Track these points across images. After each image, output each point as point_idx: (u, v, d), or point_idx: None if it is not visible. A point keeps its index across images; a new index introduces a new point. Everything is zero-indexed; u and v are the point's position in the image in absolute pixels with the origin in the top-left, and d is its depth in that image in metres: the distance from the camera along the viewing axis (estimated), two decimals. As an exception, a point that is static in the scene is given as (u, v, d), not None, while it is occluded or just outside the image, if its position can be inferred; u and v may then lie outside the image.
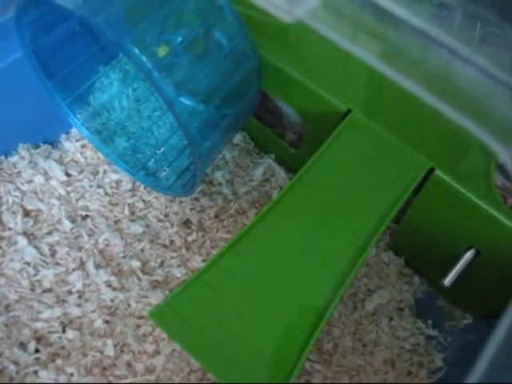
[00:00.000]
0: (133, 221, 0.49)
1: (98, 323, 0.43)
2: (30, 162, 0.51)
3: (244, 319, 0.32)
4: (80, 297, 0.44)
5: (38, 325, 0.42)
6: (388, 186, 0.37)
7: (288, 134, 0.54)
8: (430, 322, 0.47)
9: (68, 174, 0.51)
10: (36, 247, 0.46)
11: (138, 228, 0.48)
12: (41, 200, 0.49)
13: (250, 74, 0.42)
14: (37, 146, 0.53)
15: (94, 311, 0.44)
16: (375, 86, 0.38)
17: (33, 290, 0.44)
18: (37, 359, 0.41)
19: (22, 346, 0.42)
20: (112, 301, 0.44)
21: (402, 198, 0.37)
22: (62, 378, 0.40)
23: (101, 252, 0.47)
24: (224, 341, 0.31)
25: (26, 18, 0.40)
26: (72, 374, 0.41)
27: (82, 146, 0.54)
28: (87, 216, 0.49)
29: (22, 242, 0.46)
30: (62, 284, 0.45)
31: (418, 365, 0.45)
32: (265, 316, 0.32)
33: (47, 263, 0.45)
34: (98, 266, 0.46)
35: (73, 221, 0.48)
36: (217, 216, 0.51)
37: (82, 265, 0.46)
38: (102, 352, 0.42)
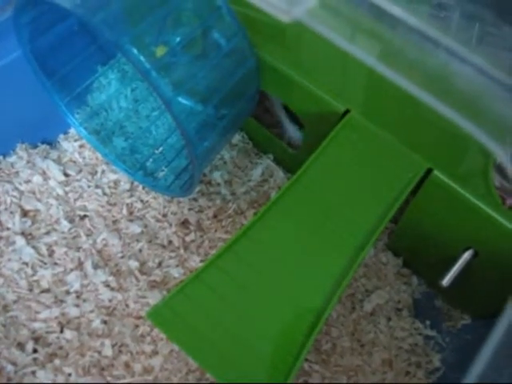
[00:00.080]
0: (131, 221, 0.49)
1: (96, 323, 0.43)
2: (28, 161, 0.51)
3: (242, 319, 0.32)
4: (78, 297, 0.44)
5: (36, 325, 0.42)
6: (386, 186, 0.37)
7: (286, 135, 0.54)
8: (428, 322, 0.47)
9: (66, 174, 0.51)
10: (34, 247, 0.46)
11: (136, 228, 0.48)
12: (39, 200, 0.49)
13: (248, 74, 0.42)
14: (35, 146, 0.53)
15: (92, 311, 0.44)
16: (373, 86, 0.38)
17: (31, 290, 0.44)
18: (35, 359, 0.41)
19: (20, 346, 0.41)
20: (110, 301, 0.44)
21: (400, 198, 0.37)
22: (60, 379, 0.40)
23: (99, 252, 0.47)
24: (222, 341, 0.31)
25: (24, 18, 0.40)
26: (70, 375, 0.41)
27: (80, 146, 0.54)
28: (85, 216, 0.49)
29: (20, 242, 0.46)
30: (59, 284, 0.45)
31: (416, 365, 0.45)
32: (263, 316, 0.32)
33: (45, 263, 0.45)
34: (96, 266, 0.46)
35: (71, 221, 0.48)
36: (215, 216, 0.51)
37: (80, 265, 0.46)
38: (99, 352, 0.42)
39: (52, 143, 0.54)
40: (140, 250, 0.48)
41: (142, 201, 0.51)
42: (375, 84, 0.38)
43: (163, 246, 0.48)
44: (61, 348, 0.42)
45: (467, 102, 0.27)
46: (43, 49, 0.45)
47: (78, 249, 0.47)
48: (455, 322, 0.47)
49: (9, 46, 0.44)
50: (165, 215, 0.50)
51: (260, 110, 0.53)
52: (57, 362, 0.41)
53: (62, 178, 0.51)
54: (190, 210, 0.50)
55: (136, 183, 0.52)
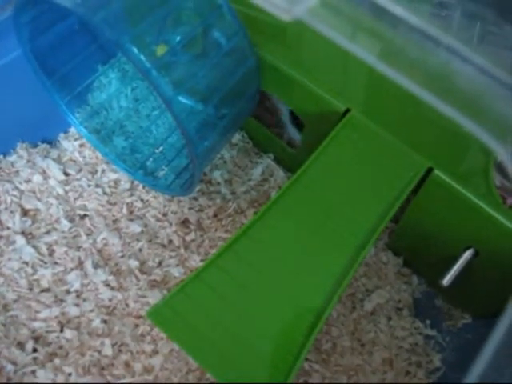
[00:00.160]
0: (131, 220, 0.49)
1: (96, 323, 0.43)
2: (29, 161, 0.51)
3: (242, 319, 0.32)
4: (78, 296, 0.44)
5: (36, 324, 0.42)
6: (386, 185, 0.37)
7: (286, 134, 0.54)
8: (428, 321, 0.47)
9: (66, 174, 0.51)
10: (34, 246, 0.46)
11: (136, 227, 0.48)
12: (39, 199, 0.49)
13: (248, 73, 0.42)
14: (35, 146, 0.53)
15: (92, 311, 0.44)
16: (374, 85, 0.38)
17: (31, 289, 0.44)
18: (35, 359, 0.41)
19: (20, 345, 0.41)
20: (110, 300, 0.44)
21: (401, 197, 0.37)
22: (60, 378, 0.40)
23: (99, 251, 0.47)
24: (222, 340, 0.31)
25: (24, 17, 0.40)
26: (70, 374, 0.41)
27: (81, 146, 0.54)
28: (85, 215, 0.49)
29: (20, 241, 0.46)
30: (60, 283, 0.45)
31: (417, 365, 0.45)
32: (263, 315, 0.32)
33: (45, 263, 0.45)
34: (96, 266, 0.46)
35: (71, 220, 0.48)
36: (215, 215, 0.51)
37: (80, 264, 0.46)
38: (99, 352, 0.42)
39: (52, 142, 0.54)
40: (140, 250, 0.48)
41: (142, 200, 0.51)
42: (376, 83, 0.38)
43: (163, 246, 0.48)
44: (61, 347, 0.42)
45: (468, 101, 0.26)
46: (43, 48, 0.45)
47: (78, 248, 0.47)
48: (456, 321, 0.47)
49: (9, 46, 0.44)
50: (165, 214, 0.50)
51: (260, 110, 0.53)
52: (57, 361, 0.41)
53: (62, 177, 0.51)
54: (190, 209, 0.50)
55: (136, 182, 0.52)
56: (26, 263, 0.45)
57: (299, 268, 0.34)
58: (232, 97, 0.41)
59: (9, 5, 0.42)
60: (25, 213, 0.48)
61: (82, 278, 0.45)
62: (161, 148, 0.53)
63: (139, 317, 0.44)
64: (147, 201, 0.51)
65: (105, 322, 0.43)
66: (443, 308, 0.48)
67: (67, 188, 0.50)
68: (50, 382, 0.40)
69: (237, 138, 0.56)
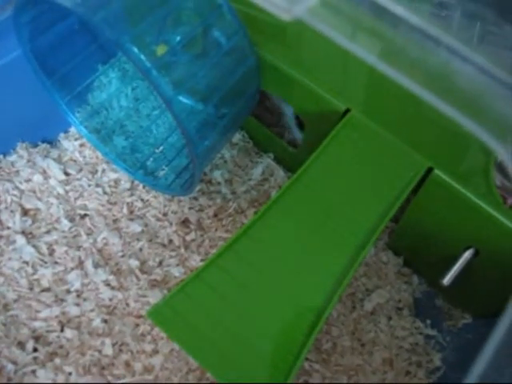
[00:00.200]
0: (131, 220, 0.49)
1: (97, 322, 0.43)
2: (29, 160, 0.51)
3: (242, 318, 0.32)
4: (78, 296, 0.44)
5: (37, 324, 0.42)
6: (387, 185, 0.37)
7: (287, 134, 0.54)
8: (428, 321, 0.47)
9: (66, 173, 0.51)
10: (34, 246, 0.46)
11: (136, 227, 0.48)
12: (39, 199, 0.49)
13: (248, 72, 0.42)
14: (35, 145, 0.53)
15: (92, 310, 0.44)
16: (374, 85, 0.38)
17: (31, 289, 0.44)
18: (35, 358, 0.41)
19: (20, 345, 0.41)
20: (110, 300, 0.44)
21: (401, 197, 0.37)
22: (60, 378, 0.40)
23: (99, 251, 0.47)
24: (222, 340, 0.31)
25: (24, 17, 0.40)
26: (70, 374, 0.41)
27: (81, 145, 0.54)
28: (86, 215, 0.49)
29: (21, 241, 0.46)
30: (60, 283, 0.45)
31: (417, 364, 0.45)
32: (263, 315, 0.32)
33: (45, 262, 0.45)
34: (96, 265, 0.46)
35: (71, 220, 0.48)
36: (216, 215, 0.51)
37: (80, 264, 0.46)
38: (100, 351, 0.42)
39: (52, 142, 0.54)
40: (140, 249, 0.48)
41: (142, 200, 0.51)
42: (376, 83, 0.38)
43: (164, 245, 0.48)
44: (61, 347, 0.42)
45: (468, 101, 0.26)
46: (43, 48, 0.45)
47: (79, 248, 0.47)
48: (456, 321, 0.47)
49: (9, 45, 0.44)
50: (165, 214, 0.50)
51: (260, 109, 0.53)
52: (57, 361, 0.41)
53: (63, 176, 0.51)
54: (190, 209, 0.50)
55: (136, 182, 0.52)
56: (27, 263, 0.45)
57: (299, 268, 0.34)
58: (232, 96, 0.41)
59: (9, 5, 0.42)
60: (25, 212, 0.48)
61: (83, 277, 0.45)
62: (161, 148, 0.53)
63: (139, 316, 0.44)
64: (147, 200, 0.51)
65: (105, 321, 0.43)
66: (443, 308, 0.48)
67: (67, 188, 0.50)
68: (50, 381, 0.40)
69: (237, 137, 0.56)
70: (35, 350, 0.42)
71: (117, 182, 0.52)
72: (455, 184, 0.37)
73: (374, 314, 0.47)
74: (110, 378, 0.41)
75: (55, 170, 0.50)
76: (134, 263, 0.46)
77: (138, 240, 0.48)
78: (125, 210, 0.50)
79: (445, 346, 0.46)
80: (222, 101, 0.40)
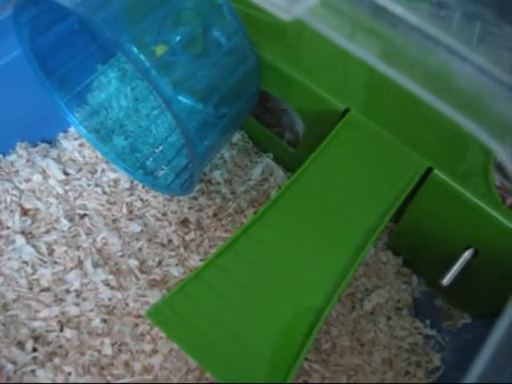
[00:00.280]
0: (131, 220, 0.49)
1: (96, 322, 0.43)
2: (28, 160, 0.51)
3: (242, 318, 0.32)
4: (78, 296, 0.44)
5: (36, 324, 0.42)
6: (386, 185, 0.37)
7: (286, 134, 0.54)
8: (428, 321, 0.47)
9: (66, 173, 0.51)
10: (34, 246, 0.46)
11: (136, 227, 0.48)
12: (39, 199, 0.49)
13: (248, 72, 0.42)
14: (35, 145, 0.53)
15: (91, 310, 0.44)
16: (373, 85, 0.38)
17: (31, 288, 0.44)
18: (34, 358, 0.41)
19: (20, 345, 0.41)
20: (110, 300, 0.44)
21: (400, 197, 0.37)
22: (60, 378, 0.40)
23: (99, 251, 0.47)
24: (222, 340, 0.31)
25: (24, 17, 0.40)
26: (70, 373, 0.41)
27: (80, 145, 0.54)
28: (85, 215, 0.49)
29: (20, 240, 0.46)
30: (59, 283, 0.45)
31: (416, 364, 0.45)
32: (263, 315, 0.32)
33: (45, 262, 0.45)
34: (95, 265, 0.46)
35: (71, 220, 0.48)
36: (215, 215, 0.51)
37: (79, 264, 0.46)
38: (99, 351, 0.42)
39: (52, 142, 0.54)
40: (140, 249, 0.48)
41: (141, 200, 0.51)
42: (375, 83, 0.38)
43: (163, 245, 0.48)
44: (60, 347, 0.42)
45: (468, 101, 0.26)
46: (43, 47, 0.45)
47: (78, 248, 0.47)
48: (455, 321, 0.47)
49: (9, 45, 0.44)
50: (165, 214, 0.50)
51: (260, 109, 0.53)
52: (56, 360, 0.41)
53: (62, 176, 0.51)
54: (189, 208, 0.50)
55: (136, 182, 0.52)
56: (26, 263, 0.45)
57: (299, 267, 0.34)
58: (232, 96, 0.41)
59: (9, 4, 0.42)
60: (24, 212, 0.48)
61: (82, 277, 0.45)
62: (160, 147, 0.53)
63: (139, 316, 0.44)
64: (147, 200, 0.51)
65: (104, 321, 0.43)
66: (443, 308, 0.48)
67: (67, 187, 0.50)
68: (49, 381, 0.40)
69: (237, 137, 0.56)
70: (34, 349, 0.42)
71: (116, 181, 0.52)
72: (454, 184, 0.37)
73: (373, 314, 0.47)
74: (109, 378, 0.41)
75: (55, 170, 0.50)
76: (134, 263, 0.46)
77: (138, 240, 0.48)
78: (124, 210, 0.50)
79: (444, 346, 0.46)
80: (221, 101, 0.40)
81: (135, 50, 0.33)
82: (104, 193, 0.50)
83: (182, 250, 0.48)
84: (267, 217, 0.35)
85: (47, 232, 0.47)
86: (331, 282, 0.33)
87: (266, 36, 0.42)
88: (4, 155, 0.51)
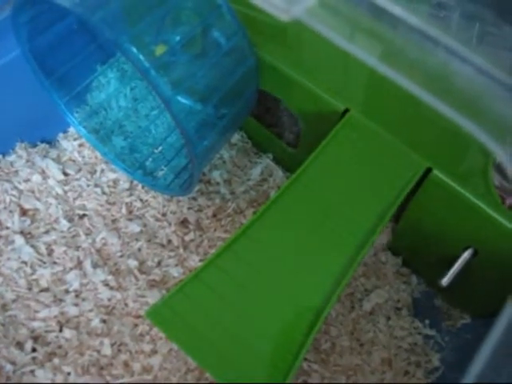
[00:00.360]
0: (130, 220, 0.49)
1: (95, 322, 0.43)
2: (28, 160, 0.51)
3: (241, 318, 0.32)
4: (77, 296, 0.44)
5: (35, 324, 0.42)
6: (385, 185, 0.37)
7: (286, 134, 0.54)
8: (427, 321, 0.47)
9: (65, 173, 0.51)
10: (33, 246, 0.46)
11: (135, 227, 0.48)
12: (38, 199, 0.49)
13: (248, 73, 0.42)
14: (34, 145, 0.53)
15: (91, 310, 0.44)
16: (373, 85, 0.38)
17: (30, 289, 0.44)
18: (34, 358, 0.41)
19: (19, 345, 0.41)
20: (109, 300, 0.44)
21: (400, 197, 0.37)
22: (59, 378, 0.40)
23: (98, 251, 0.47)
24: (221, 340, 0.31)
25: (22, 17, 0.40)
26: (69, 374, 0.41)
27: (80, 145, 0.54)
28: (84, 215, 0.49)
29: (19, 241, 0.46)
30: (59, 283, 0.45)
31: (416, 364, 0.45)
32: (262, 315, 0.32)
33: (44, 262, 0.45)
34: (95, 266, 0.46)
35: (70, 220, 0.48)
36: (214, 215, 0.51)
37: (79, 264, 0.46)
38: (99, 351, 0.42)
39: (51, 142, 0.54)
40: (139, 249, 0.48)
41: (141, 200, 0.51)
42: (375, 83, 0.38)
43: (162, 246, 0.48)
44: (60, 347, 0.42)
45: (467, 102, 0.26)
46: (42, 48, 0.45)
47: (77, 248, 0.47)
48: (455, 321, 0.47)
49: (8, 45, 0.44)
50: (164, 214, 0.50)
51: (259, 110, 0.53)
52: (56, 361, 0.41)
53: (62, 177, 0.51)
54: (189, 209, 0.50)
55: (135, 182, 0.52)
56: (25, 263, 0.45)
57: (298, 268, 0.34)
58: (231, 96, 0.41)
59: (7, 5, 0.42)
60: (24, 212, 0.48)
61: (81, 277, 0.45)
62: (160, 148, 0.53)
63: (138, 316, 0.44)
64: (146, 201, 0.51)
65: (104, 321, 0.43)
66: (442, 308, 0.48)
67: (66, 188, 0.50)
68: (49, 381, 0.40)
69: (236, 137, 0.56)
70: (34, 350, 0.42)
71: (116, 182, 0.52)
72: (454, 184, 0.37)
73: (372, 314, 0.47)
74: (108, 378, 0.41)
75: (54, 170, 0.50)
76: (133, 263, 0.46)
77: (137, 240, 0.48)
78: (124, 210, 0.50)
79: (443, 346, 0.46)
80: (221, 101, 0.40)
81: (134, 50, 0.33)
82: (103, 193, 0.50)
83: (181, 250, 0.48)
84: (266, 217, 0.35)
85: (46, 232, 0.47)
86: (330, 282, 0.33)
87: (265, 36, 0.42)
88: (3, 155, 0.51)
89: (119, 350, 0.42)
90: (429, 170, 0.38)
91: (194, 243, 0.49)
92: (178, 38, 0.38)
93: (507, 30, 0.35)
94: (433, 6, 0.35)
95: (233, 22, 0.40)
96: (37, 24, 0.42)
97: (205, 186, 0.52)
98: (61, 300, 0.44)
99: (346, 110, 0.41)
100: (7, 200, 0.48)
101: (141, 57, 0.33)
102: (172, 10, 0.38)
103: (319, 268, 0.34)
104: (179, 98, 0.37)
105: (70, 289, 0.45)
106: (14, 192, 0.48)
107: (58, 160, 0.52)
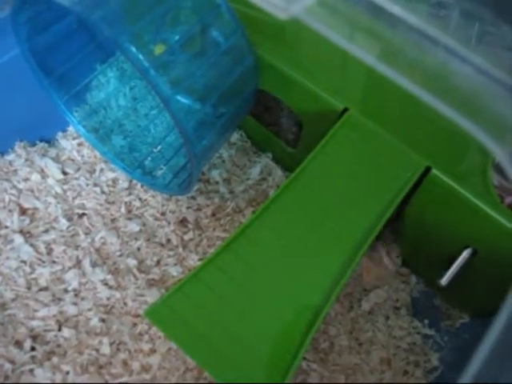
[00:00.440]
0: (129, 219, 0.49)
1: (94, 321, 0.43)
2: (27, 160, 0.51)
3: (240, 318, 0.32)
4: (76, 295, 0.44)
5: (34, 323, 0.42)
6: (384, 184, 0.37)
7: (285, 133, 0.54)
8: (426, 321, 0.47)
9: (65, 173, 0.51)
10: (32, 245, 0.46)
11: (134, 226, 0.48)
12: (37, 198, 0.49)
13: (246, 72, 0.42)
14: (33, 144, 0.53)
15: (90, 309, 0.44)
16: (372, 84, 0.38)
17: (29, 288, 0.44)
18: (32, 357, 0.41)
19: (18, 344, 0.41)
20: (108, 299, 0.44)
21: (399, 197, 0.37)
22: (58, 377, 0.40)
23: (97, 250, 0.47)
24: (220, 339, 0.31)
25: (22, 16, 0.40)
26: (68, 373, 0.41)
27: (79, 145, 0.54)
28: (84, 214, 0.49)
29: (19, 240, 0.46)
30: (58, 282, 0.45)
31: (414, 364, 0.45)
32: (261, 315, 0.32)
33: (43, 261, 0.45)
34: (94, 265, 0.46)
35: (69, 219, 0.48)
36: (213, 215, 0.51)
37: (78, 263, 0.46)
38: (97, 350, 0.42)
39: (50, 141, 0.54)
40: (138, 249, 0.48)
41: (140, 199, 0.51)
42: (374, 82, 0.38)
43: (161, 245, 0.48)
44: (59, 346, 0.42)
45: (466, 101, 0.26)
46: (41, 47, 0.45)
47: (77, 247, 0.47)
48: (454, 320, 0.47)
49: (7, 45, 0.44)
50: (163, 213, 0.50)
51: (258, 109, 0.53)
52: (55, 360, 0.41)
53: (61, 176, 0.51)
54: (188, 208, 0.50)
55: (134, 181, 0.52)
56: (24, 262, 0.45)
57: (297, 267, 0.34)
58: (230, 96, 0.41)
59: (7, 4, 0.42)
60: (23, 211, 0.48)
61: (80, 276, 0.45)
62: (159, 147, 0.53)
63: (137, 316, 0.44)
64: (145, 200, 0.51)
65: (103, 320, 0.43)
66: (441, 307, 0.48)
67: (65, 187, 0.50)
68: (48, 380, 0.40)
69: (235, 137, 0.56)
70: (33, 349, 0.42)
71: (115, 181, 0.52)
72: (453, 183, 0.37)
73: (371, 313, 0.47)
74: (107, 377, 0.41)
75: (53, 169, 0.50)
76: (132, 262, 0.46)
77: (136, 239, 0.48)
78: (123, 210, 0.49)
79: (442, 346, 0.46)
80: (219, 100, 0.40)
81: (134, 49, 0.33)
82: (102, 192, 0.50)
83: (180, 249, 0.48)
84: (265, 216, 0.35)
85: (46, 231, 0.47)
86: (329, 282, 0.33)
87: (264, 35, 0.42)
88: (3, 154, 0.51)
89: (118, 349, 0.42)
90: (428, 170, 0.38)
91: (193, 242, 0.49)
92: (176, 38, 0.37)
93: (506, 29, 0.35)
94: (432, 5, 0.35)
95: (231, 20, 0.40)
96: (36, 23, 0.42)
97: (204, 185, 0.52)
98: (60, 299, 0.44)
99: (345, 109, 0.41)
100: (6, 199, 0.48)
101: (140, 56, 0.33)
102: (171, 9, 0.38)
103: (318, 267, 0.34)
104: (178, 98, 0.37)
105: (69, 288, 0.44)
106: (13, 191, 0.48)
107: (57, 159, 0.52)
